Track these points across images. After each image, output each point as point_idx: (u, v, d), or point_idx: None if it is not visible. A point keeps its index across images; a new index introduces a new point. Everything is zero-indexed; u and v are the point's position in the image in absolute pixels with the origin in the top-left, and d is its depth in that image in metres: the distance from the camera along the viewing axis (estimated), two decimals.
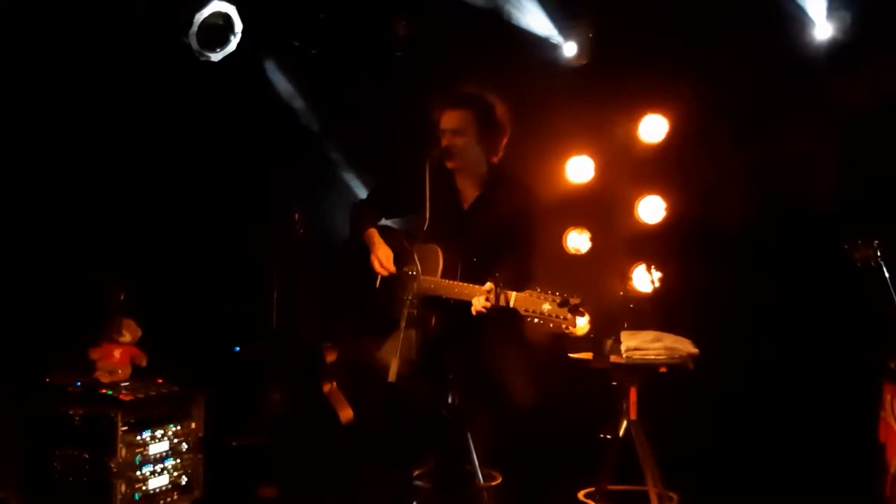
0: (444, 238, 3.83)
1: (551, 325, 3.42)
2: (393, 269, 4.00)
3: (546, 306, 3.42)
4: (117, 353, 4.63)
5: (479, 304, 3.60)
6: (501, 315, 3.74)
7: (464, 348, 4.03)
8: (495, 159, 4.07)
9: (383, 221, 4.33)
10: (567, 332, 3.27)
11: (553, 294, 3.42)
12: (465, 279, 3.81)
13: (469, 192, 4.08)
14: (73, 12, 4.79)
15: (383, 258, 4.02)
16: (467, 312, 3.73)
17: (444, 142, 3.94)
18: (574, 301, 3.39)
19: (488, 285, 3.57)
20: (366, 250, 4.10)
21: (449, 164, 3.95)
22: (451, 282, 3.77)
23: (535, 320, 3.46)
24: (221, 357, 5.39)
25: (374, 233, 4.12)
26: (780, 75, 5.69)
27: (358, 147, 6.39)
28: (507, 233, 3.98)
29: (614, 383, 5.06)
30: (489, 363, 3.95)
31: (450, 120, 3.95)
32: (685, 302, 5.52)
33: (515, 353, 3.91)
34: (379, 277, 4.06)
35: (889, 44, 5.24)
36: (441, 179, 3.91)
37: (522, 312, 3.49)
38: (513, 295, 3.54)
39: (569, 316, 3.39)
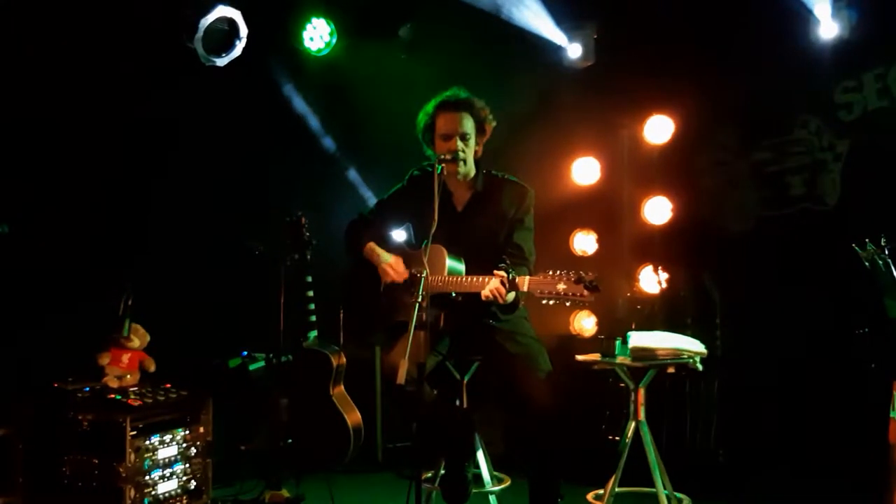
0: (443, 241, 3.83)
1: (568, 304, 3.45)
2: (406, 273, 4.01)
3: (561, 286, 3.45)
4: (126, 359, 4.64)
5: (493, 284, 3.60)
6: (512, 305, 3.75)
7: (473, 348, 4.03)
8: (476, 159, 4.09)
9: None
10: (585, 308, 3.23)
11: (567, 274, 3.45)
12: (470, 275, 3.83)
13: (461, 194, 4.08)
14: (76, 15, 4.81)
15: (395, 265, 4.02)
16: (476, 310, 3.73)
17: (451, 145, 3.94)
18: (589, 277, 3.41)
19: (500, 273, 3.58)
20: (367, 264, 4.11)
21: (451, 168, 3.94)
22: (459, 277, 3.79)
23: (552, 301, 3.47)
24: (228, 362, 5.39)
25: (374, 246, 4.13)
26: (786, 74, 5.69)
27: (364, 150, 6.41)
28: (501, 230, 3.98)
29: (622, 384, 5.06)
30: (499, 363, 3.94)
31: (457, 123, 3.95)
32: (693, 302, 5.52)
33: (527, 351, 3.90)
34: (383, 284, 4.05)
35: (892, 42, 5.23)
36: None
37: (537, 295, 3.50)
38: (525, 279, 3.56)
39: (585, 293, 3.41)
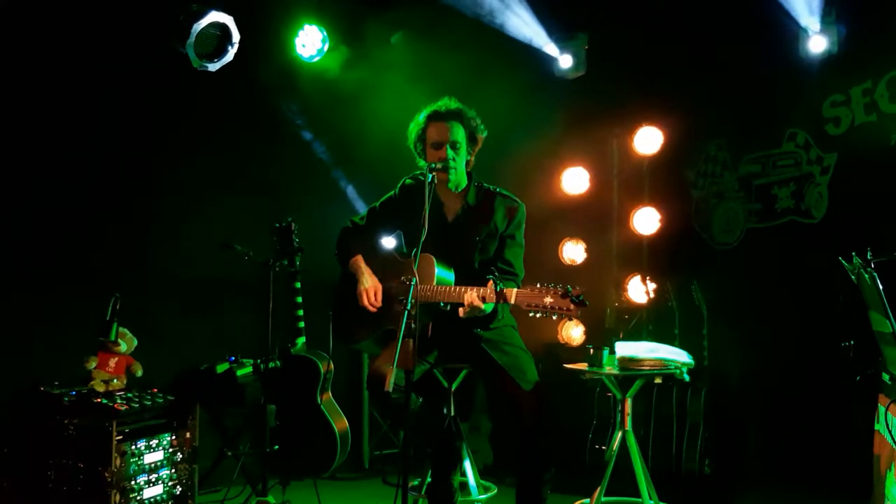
0: (432, 250, 3.82)
1: (555, 317, 3.46)
2: (379, 303, 4.00)
3: (548, 299, 3.45)
4: (113, 363, 4.63)
5: (468, 298, 3.61)
6: (490, 317, 3.76)
7: (460, 357, 4.03)
8: (469, 170, 4.09)
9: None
10: (570, 320, 3.22)
11: (555, 287, 3.46)
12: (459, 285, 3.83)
13: (451, 203, 4.07)
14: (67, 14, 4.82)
15: (371, 292, 4.01)
16: (464, 319, 3.73)
17: (441, 154, 3.94)
18: (576, 292, 3.42)
19: (489, 284, 3.59)
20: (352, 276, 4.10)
21: (441, 176, 3.95)
22: (446, 287, 3.78)
23: (539, 314, 3.48)
24: (215, 367, 5.37)
25: (360, 261, 4.10)
26: (774, 87, 5.73)
27: (355, 156, 6.41)
28: (491, 244, 3.99)
29: (609, 394, 5.07)
30: (486, 372, 3.95)
31: (447, 132, 3.95)
32: (680, 313, 5.54)
33: (514, 362, 3.90)
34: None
35: (880, 57, 5.28)
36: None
37: (524, 308, 3.51)
38: (513, 292, 3.56)
39: (572, 306, 3.42)
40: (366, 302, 3.97)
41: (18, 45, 4.71)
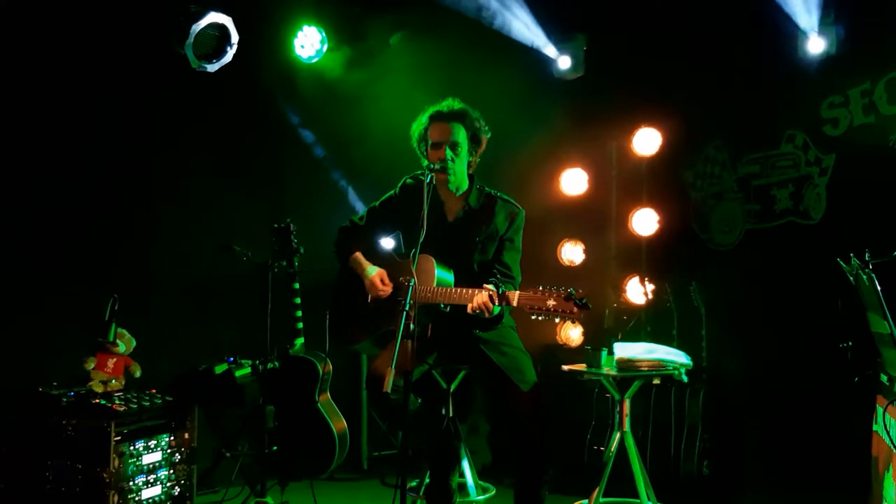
0: (431, 250, 3.82)
1: (557, 320, 3.47)
2: (390, 288, 3.99)
3: (551, 302, 3.47)
4: (111, 363, 4.63)
5: (481, 297, 3.61)
6: (496, 319, 3.76)
7: (459, 358, 4.03)
8: (471, 171, 4.09)
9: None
10: (573, 323, 3.20)
11: (558, 290, 3.47)
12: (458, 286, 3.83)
13: (452, 204, 4.08)
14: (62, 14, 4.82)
15: (377, 279, 4.01)
16: (463, 320, 3.73)
17: (440, 154, 3.94)
18: (579, 294, 3.43)
19: (489, 287, 3.60)
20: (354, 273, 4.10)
21: (441, 177, 3.95)
22: (448, 289, 3.78)
23: (541, 317, 3.49)
24: (214, 368, 5.37)
25: (359, 256, 4.11)
26: (773, 89, 5.74)
27: (354, 157, 6.41)
28: (490, 247, 3.99)
29: (607, 395, 5.07)
30: (485, 373, 3.95)
31: (447, 133, 3.95)
32: (678, 314, 5.54)
33: (512, 363, 3.91)
34: (370, 296, 4.04)
35: (879, 58, 5.28)
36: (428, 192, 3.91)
37: (527, 310, 3.52)
38: (515, 294, 3.57)
39: (575, 309, 3.43)
40: (377, 290, 3.97)
41: (18, 45, 4.71)
